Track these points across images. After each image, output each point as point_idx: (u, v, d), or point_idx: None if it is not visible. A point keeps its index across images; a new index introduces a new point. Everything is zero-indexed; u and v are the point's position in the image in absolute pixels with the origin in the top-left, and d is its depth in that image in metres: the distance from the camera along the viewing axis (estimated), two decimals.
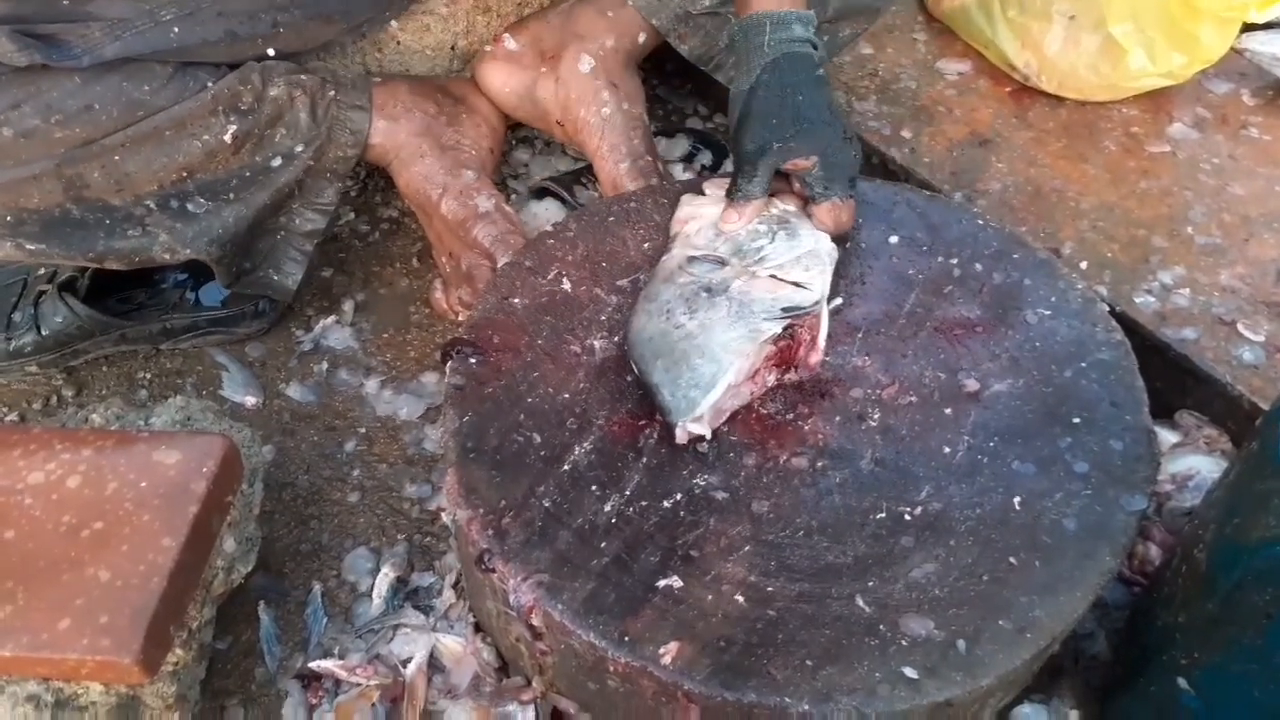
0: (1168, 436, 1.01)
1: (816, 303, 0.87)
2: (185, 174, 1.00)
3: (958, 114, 1.29)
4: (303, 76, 1.04)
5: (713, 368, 0.83)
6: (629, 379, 0.89)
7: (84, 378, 1.17)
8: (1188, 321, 1.05)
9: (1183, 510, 0.95)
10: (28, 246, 0.99)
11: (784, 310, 0.87)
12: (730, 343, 0.85)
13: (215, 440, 0.86)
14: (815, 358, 0.89)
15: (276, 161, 1.04)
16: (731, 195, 0.95)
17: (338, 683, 0.90)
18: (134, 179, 0.98)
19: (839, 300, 0.94)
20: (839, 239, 0.96)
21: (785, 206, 0.96)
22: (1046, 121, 1.27)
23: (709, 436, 0.84)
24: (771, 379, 0.89)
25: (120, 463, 0.84)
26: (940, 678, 0.71)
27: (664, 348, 0.86)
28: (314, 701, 0.90)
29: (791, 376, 0.89)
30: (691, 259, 0.93)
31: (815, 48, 0.96)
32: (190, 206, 1.01)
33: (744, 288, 0.89)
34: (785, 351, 0.88)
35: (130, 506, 0.81)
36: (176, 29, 0.95)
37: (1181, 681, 0.75)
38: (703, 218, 0.97)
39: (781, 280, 0.89)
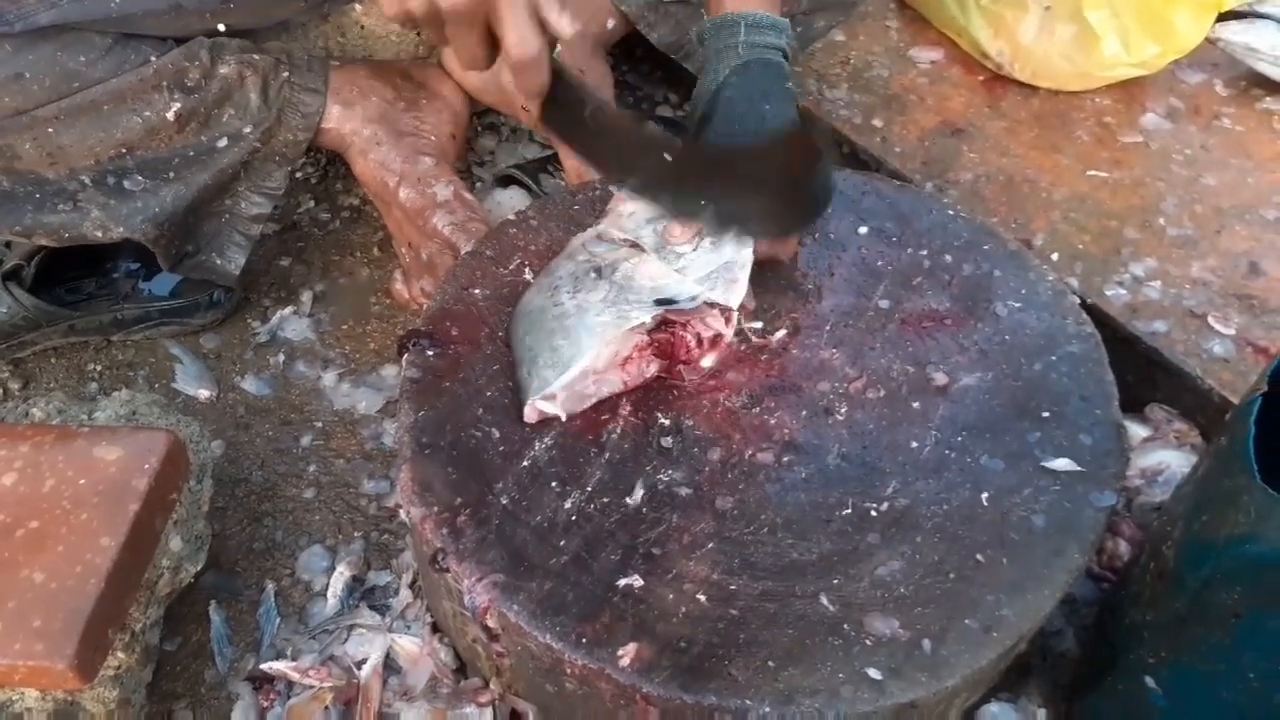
0: (1138, 430, 0.99)
1: (694, 298, 0.84)
2: (124, 150, 0.96)
3: (930, 103, 1.27)
4: (255, 56, 1.00)
5: (571, 350, 0.82)
6: None
7: (31, 370, 1.13)
8: (1159, 314, 1.04)
9: (1152, 505, 0.94)
10: None
11: (658, 301, 0.84)
12: (596, 326, 0.83)
13: (159, 435, 0.83)
14: (708, 360, 0.87)
15: (222, 142, 1.01)
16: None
17: (290, 685, 0.88)
18: (68, 152, 0.94)
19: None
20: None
21: None
22: (1019, 111, 1.26)
23: (563, 418, 0.83)
24: (652, 370, 0.86)
25: (59, 459, 0.81)
26: (905, 679, 0.70)
27: (535, 325, 0.85)
28: (265, 704, 0.87)
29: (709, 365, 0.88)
30: (598, 237, 0.90)
31: (787, 59, 0.93)
32: (127, 184, 0.98)
33: (629, 272, 0.87)
34: (665, 345, 0.86)
35: (68, 505, 0.78)
36: None
37: (1149, 680, 0.74)
38: (639, 203, 0.94)
39: (672, 269, 0.87)
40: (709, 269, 0.87)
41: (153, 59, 0.95)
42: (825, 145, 0.83)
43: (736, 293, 0.86)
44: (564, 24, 0.77)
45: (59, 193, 0.97)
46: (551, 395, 0.81)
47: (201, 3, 0.96)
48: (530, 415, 0.82)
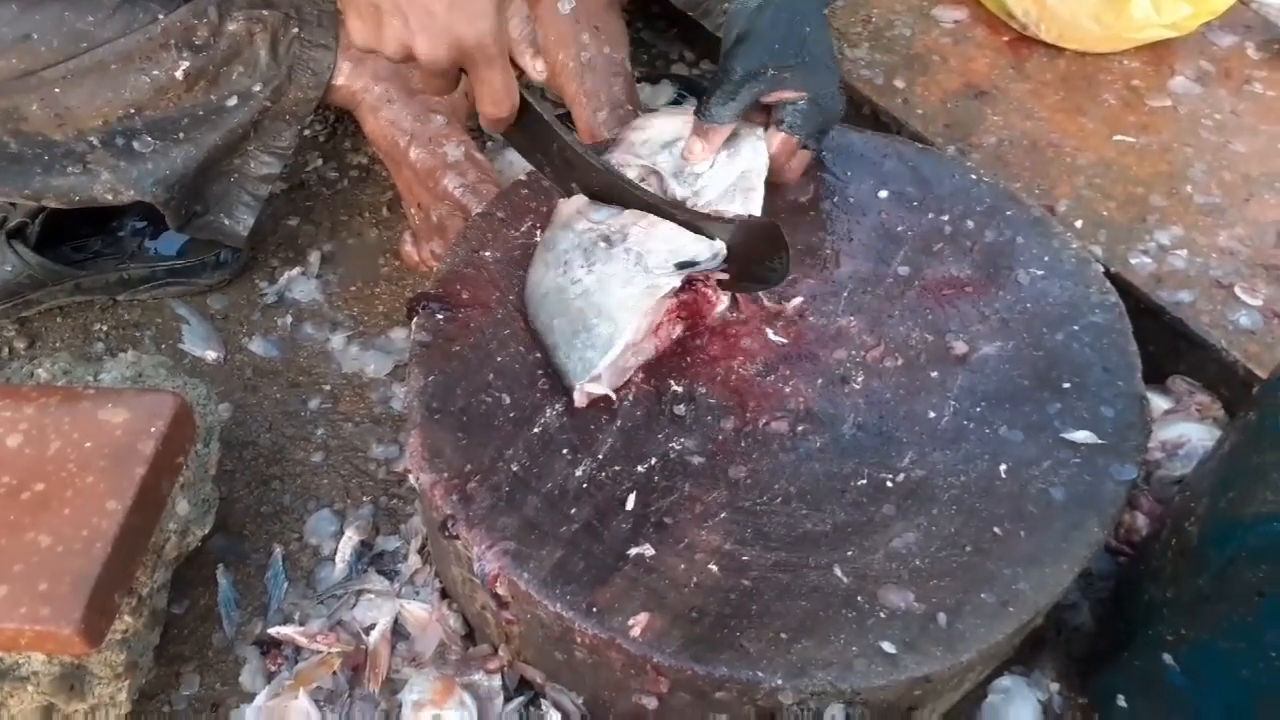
0: (1159, 402, 0.98)
1: (715, 256, 0.83)
2: (132, 110, 0.95)
3: (953, 64, 1.24)
4: (264, 11, 0.98)
5: (609, 328, 0.80)
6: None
7: (37, 329, 1.12)
8: (1184, 284, 1.02)
9: (1172, 479, 0.93)
10: None
11: (679, 265, 0.82)
12: (628, 300, 0.81)
13: (165, 398, 0.82)
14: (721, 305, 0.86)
15: (231, 101, 0.98)
16: (702, 115, 0.89)
17: (298, 649, 0.87)
18: (76, 113, 0.93)
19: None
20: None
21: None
22: (1044, 73, 1.23)
23: (613, 396, 0.81)
24: (677, 331, 0.85)
25: (64, 421, 0.80)
26: (919, 652, 0.69)
27: (560, 306, 0.83)
28: (273, 668, 0.87)
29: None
30: (590, 204, 0.88)
31: None
32: (136, 145, 0.96)
33: (642, 237, 0.84)
34: (690, 304, 0.84)
35: (74, 468, 0.77)
36: None
37: (1168, 657, 0.73)
38: (653, 128, 0.92)
39: (684, 227, 0.85)
40: (727, 183, 0.86)
41: (160, 17, 0.93)
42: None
43: (755, 201, 0.85)
44: (537, 68, 0.80)
45: (67, 154, 0.95)
46: (598, 376, 0.80)
47: None
48: (581, 400, 0.81)
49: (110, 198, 0.99)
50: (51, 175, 0.96)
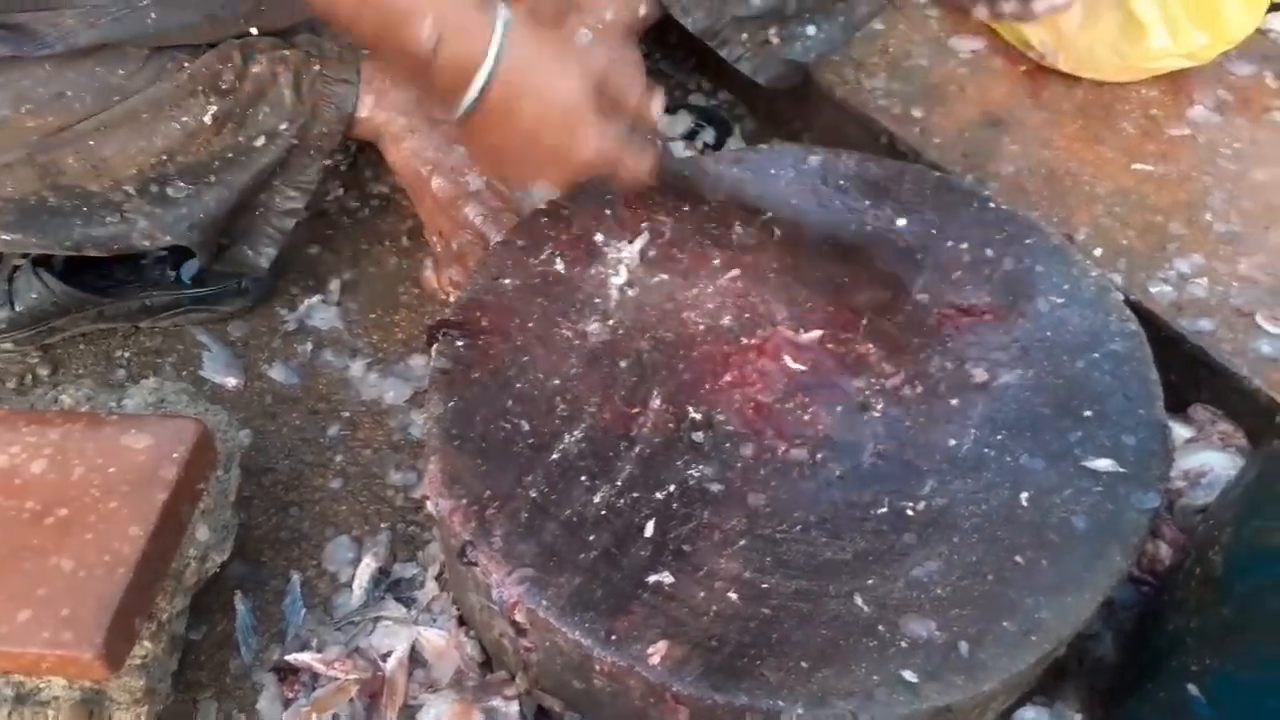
0: (1180, 431, 0.97)
1: None
2: (164, 157, 0.96)
3: (970, 93, 1.25)
4: (286, 51, 1.00)
5: None
6: (622, 365, 0.85)
7: (60, 356, 1.13)
8: (1205, 312, 1.01)
9: (1195, 508, 0.92)
10: (3, 236, 0.97)
11: None
12: None
13: (187, 424, 0.82)
14: None
15: (259, 141, 1.00)
16: None
17: (315, 676, 0.87)
18: (111, 163, 0.94)
19: None
20: None
21: None
22: (1062, 102, 1.23)
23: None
24: None
25: (88, 447, 0.81)
26: (941, 681, 0.68)
27: None
28: (290, 695, 0.87)
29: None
30: None
31: None
32: (170, 191, 0.98)
33: None
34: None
35: (97, 493, 0.78)
36: (154, 15, 0.91)
37: (1192, 688, 0.72)
38: None
39: None
40: None
41: (186, 64, 0.95)
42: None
43: None
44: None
45: (105, 204, 0.97)
46: None
47: (235, 10, 0.96)
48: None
49: (148, 243, 1.01)
50: (91, 226, 0.98)
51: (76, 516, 0.77)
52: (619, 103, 0.89)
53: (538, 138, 0.86)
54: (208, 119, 0.96)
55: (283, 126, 1.01)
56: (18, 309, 1.08)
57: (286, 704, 0.86)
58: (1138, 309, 0.95)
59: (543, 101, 0.85)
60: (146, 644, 0.79)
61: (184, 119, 0.96)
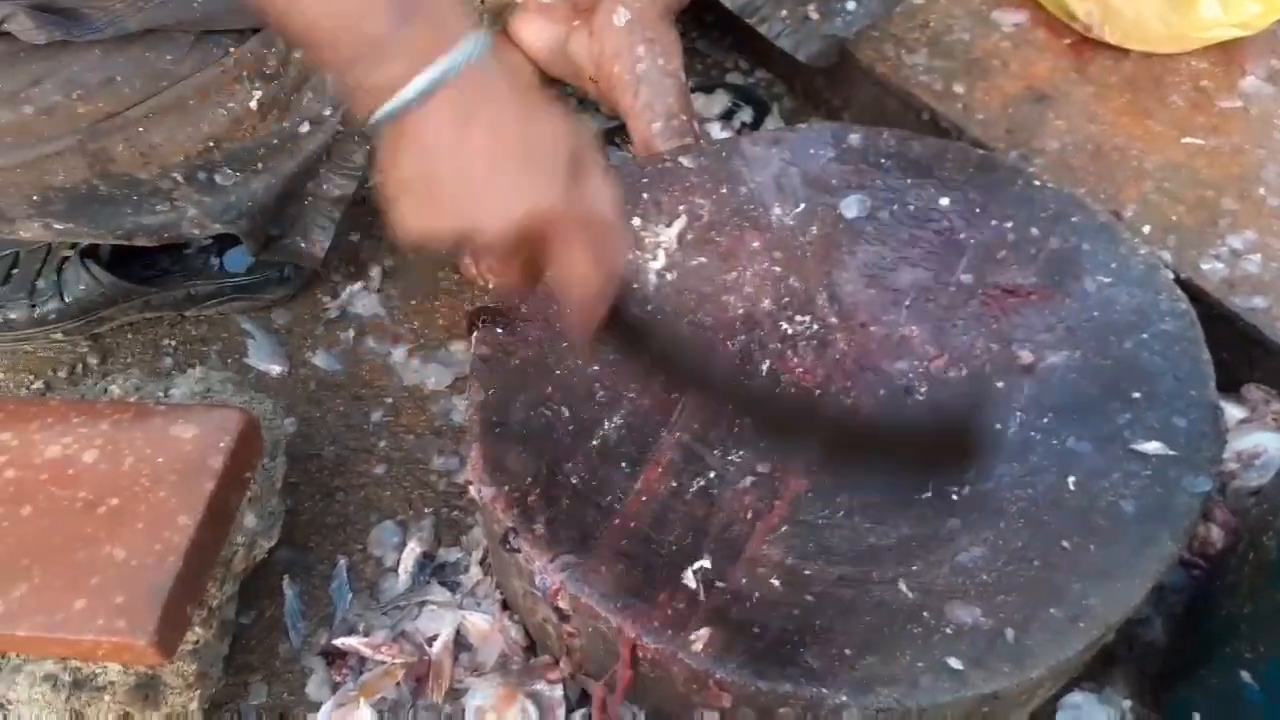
0: (1233, 411, 0.95)
1: None
2: (212, 144, 0.97)
3: (1013, 68, 1.22)
4: None
5: None
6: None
7: (109, 345, 1.15)
8: (1258, 289, 0.99)
9: (1249, 490, 0.90)
10: (55, 226, 0.98)
11: None
12: None
13: (233, 414, 0.84)
14: None
15: (305, 127, 1.00)
16: None
17: (362, 660, 0.88)
18: (160, 150, 0.95)
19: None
20: None
21: None
22: (1109, 75, 1.20)
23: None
24: None
25: (137, 437, 0.82)
26: (987, 669, 0.67)
27: None
28: (338, 679, 0.88)
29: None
30: None
31: None
32: (218, 178, 0.99)
33: None
34: None
35: (147, 483, 0.79)
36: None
37: (1245, 674, 0.71)
38: None
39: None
40: None
41: (231, 50, 0.95)
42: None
43: None
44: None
45: (154, 192, 0.98)
46: None
47: None
48: None
49: (197, 231, 1.01)
50: (141, 215, 0.99)
51: (127, 506, 0.78)
52: (575, 253, 0.65)
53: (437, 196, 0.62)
54: (253, 104, 0.97)
55: (326, 111, 1.01)
56: (67, 300, 1.10)
57: (334, 687, 0.87)
58: (1188, 287, 0.93)
59: (461, 162, 0.61)
60: (198, 630, 0.81)
61: (230, 104, 0.96)
